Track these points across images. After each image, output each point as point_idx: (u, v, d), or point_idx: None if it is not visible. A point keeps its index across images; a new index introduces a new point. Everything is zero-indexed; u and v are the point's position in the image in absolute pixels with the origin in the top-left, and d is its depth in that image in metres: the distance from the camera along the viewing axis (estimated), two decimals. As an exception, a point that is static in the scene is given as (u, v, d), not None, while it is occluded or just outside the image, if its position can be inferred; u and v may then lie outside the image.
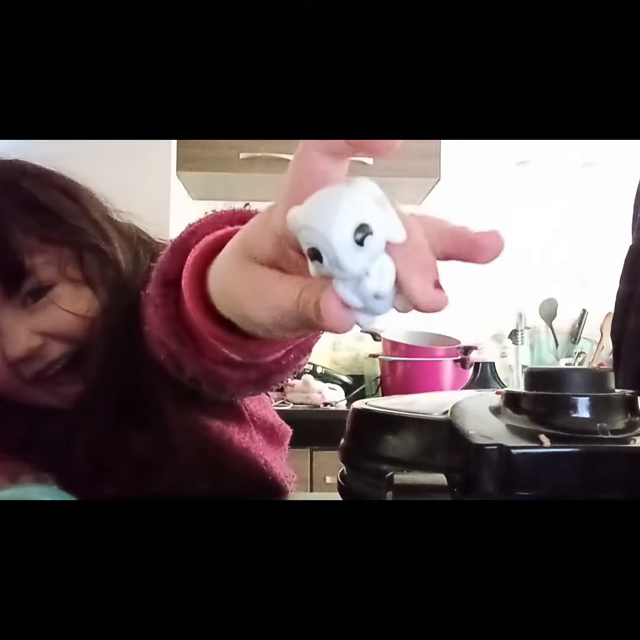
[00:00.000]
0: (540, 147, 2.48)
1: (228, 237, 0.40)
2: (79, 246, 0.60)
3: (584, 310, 2.44)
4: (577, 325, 2.44)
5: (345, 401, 2.07)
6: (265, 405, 0.76)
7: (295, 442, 0.79)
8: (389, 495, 0.40)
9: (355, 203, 0.28)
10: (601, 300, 2.39)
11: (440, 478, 0.40)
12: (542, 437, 0.41)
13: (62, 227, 0.60)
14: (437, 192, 2.32)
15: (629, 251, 0.91)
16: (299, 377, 2.06)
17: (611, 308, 0.92)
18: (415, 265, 0.31)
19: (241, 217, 0.47)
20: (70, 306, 0.59)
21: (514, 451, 0.40)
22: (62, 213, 0.61)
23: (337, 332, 0.31)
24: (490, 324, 2.49)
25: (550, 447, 0.40)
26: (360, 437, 0.51)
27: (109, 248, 0.62)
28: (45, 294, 0.59)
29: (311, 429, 1.84)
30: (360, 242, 0.27)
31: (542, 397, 0.45)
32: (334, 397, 2.06)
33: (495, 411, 0.46)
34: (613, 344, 0.93)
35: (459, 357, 2.07)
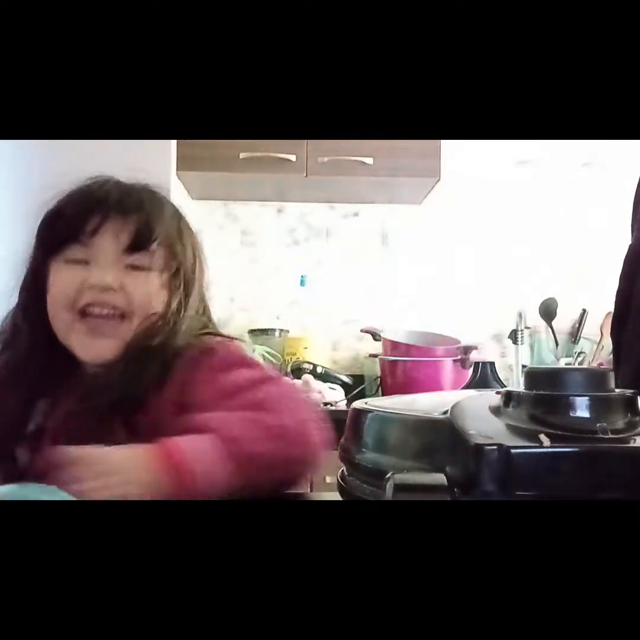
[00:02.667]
0: (540, 147, 2.48)
1: None
2: (182, 268, 0.86)
3: (584, 310, 2.44)
4: (577, 325, 2.44)
5: (345, 401, 2.07)
6: None
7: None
8: (389, 495, 0.40)
9: None
10: (601, 300, 2.39)
11: (440, 478, 0.40)
12: (542, 437, 0.41)
13: (181, 252, 0.86)
14: (437, 192, 2.32)
15: (628, 250, 0.91)
16: (299, 377, 2.06)
17: (611, 308, 0.92)
18: None
19: None
20: (147, 290, 0.82)
21: (513, 451, 0.40)
22: (187, 244, 0.87)
23: None
24: (490, 324, 2.49)
25: (550, 447, 0.40)
26: (361, 437, 0.51)
27: (195, 283, 0.87)
28: (141, 271, 0.82)
29: (311, 428, 1.84)
30: None
31: (542, 397, 0.45)
32: (334, 397, 2.05)
33: (495, 411, 0.46)
34: (613, 342, 0.93)
35: (459, 357, 2.07)
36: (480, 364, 1.47)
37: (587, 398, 0.44)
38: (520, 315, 2.43)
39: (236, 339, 0.88)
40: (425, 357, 2.09)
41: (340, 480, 0.52)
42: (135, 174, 0.87)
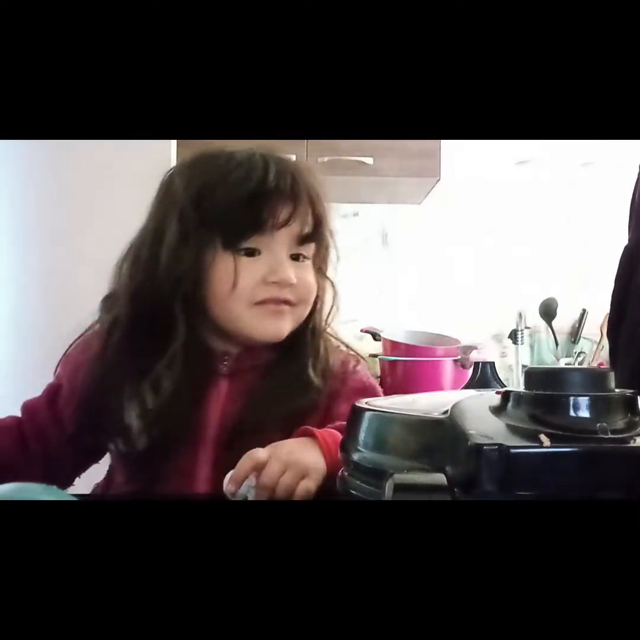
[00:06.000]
0: (540, 147, 2.48)
1: None
2: (328, 255, 0.86)
3: (584, 310, 2.44)
4: (577, 325, 2.44)
5: (345, 401, 2.06)
6: None
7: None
8: (389, 495, 0.40)
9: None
10: (601, 300, 2.39)
11: (440, 478, 0.40)
12: (542, 437, 0.41)
13: (330, 237, 0.86)
14: (437, 192, 2.32)
15: (623, 251, 0.91)
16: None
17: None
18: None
19: None
20: (309, 280, 0.82)
21: (513, 451, 0.40)
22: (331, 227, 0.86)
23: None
24: (490, 324, 2.49)
25: (550, 447, 0.40)
26: (360, 436, 0.51)
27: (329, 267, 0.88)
28: (302, 261, 0.82)
29: (311, 428, 1.84)
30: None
31: (542, 397, 0.45)
32: (334, 397, 2.05)
33: (495, 411, 0.46)
34: (609, 342, 0.93)
35: (459, 357, 2.06)
36: (480, 364, 1.47)
37: (587, 398, 0.44)
38: (520, 315, 2.43)
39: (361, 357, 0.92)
40: (425, 357, 2.09)
41: (340, 480, 0.52)
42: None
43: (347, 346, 0.90)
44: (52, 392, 0.86)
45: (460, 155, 2.41)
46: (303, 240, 0.81)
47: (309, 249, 0.83)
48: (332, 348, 0.87)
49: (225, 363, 0.83)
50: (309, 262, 0.83)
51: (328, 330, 0.88)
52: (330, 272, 0.87)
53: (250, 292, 0.78)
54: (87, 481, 0.89)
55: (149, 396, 0.76)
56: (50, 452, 0.84)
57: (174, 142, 2.00)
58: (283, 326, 0.80)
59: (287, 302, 0.80)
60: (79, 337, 0.86)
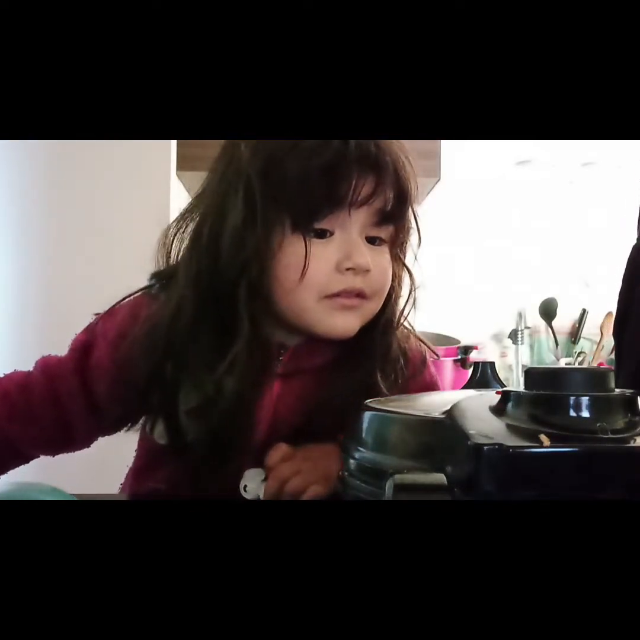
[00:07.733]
0: (540, 147, 2.48)
1: None
2: (407, 240, 0.76)
3: (584, 310, 2.44)
4: (577, 325, 2.44)
5: (346, 401, 2.06)
6: None
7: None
8: (389, 495, 0.40)
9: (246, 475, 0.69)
10: (601, 300, 2.39)
11: (440, 478, 0.40)
12: (542, 437, 0.41)
13: (411, 220, 0.75)
14: (437, 192, 2.32)
15: (632, 250, 0.91)
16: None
17: (611, 308, 0.93)
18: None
19: None
20: (385, 267, 0.73)
21: (513, 451, 0.40)
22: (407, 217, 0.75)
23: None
24: (490, 324, 2.49)
25: (550, 447, 0.40)
26: (360, 436, 0.51)
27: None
28: (377, 245, 0.72)
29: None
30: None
31: (542, 396, 0.45)
32: (334, 397, 2.05)
33: (495, 411, 0.46)
34: (615, 342, 0.93)
35: (459, 357, 2.06)
36: (480, 364, 1.47)
37: (587, 398, 0.44)
38: (520, 315, 2.43)
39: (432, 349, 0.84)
40: (425, 357, 2.09)
41: (340, 481, 0.52)
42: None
43: (416, 337, 0.81)
44: (82, 351, 0.75)
45: (460, 156, 2.41)
46: (382, 220, 0.70)
47: (387, 231, 0.72)
48: (402, 343, 0.78)
49: (280, 360, 0.74)
50: (385, 247, 0.73)
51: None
52: (408, 260, 0.76)
53: (323, 281, 0.68)
54: (89, 482, 0.88)
55: (206, 393, 0.69)
56: (66, 421, 0.76)
57: (174, 142, 2.00)
58: (353, 322, 0.71)
59: (360, 294, 0.70)
60: (123, 299, 0.76)
